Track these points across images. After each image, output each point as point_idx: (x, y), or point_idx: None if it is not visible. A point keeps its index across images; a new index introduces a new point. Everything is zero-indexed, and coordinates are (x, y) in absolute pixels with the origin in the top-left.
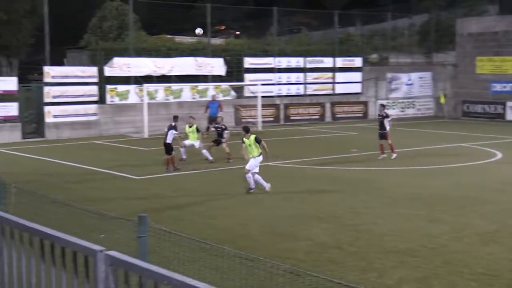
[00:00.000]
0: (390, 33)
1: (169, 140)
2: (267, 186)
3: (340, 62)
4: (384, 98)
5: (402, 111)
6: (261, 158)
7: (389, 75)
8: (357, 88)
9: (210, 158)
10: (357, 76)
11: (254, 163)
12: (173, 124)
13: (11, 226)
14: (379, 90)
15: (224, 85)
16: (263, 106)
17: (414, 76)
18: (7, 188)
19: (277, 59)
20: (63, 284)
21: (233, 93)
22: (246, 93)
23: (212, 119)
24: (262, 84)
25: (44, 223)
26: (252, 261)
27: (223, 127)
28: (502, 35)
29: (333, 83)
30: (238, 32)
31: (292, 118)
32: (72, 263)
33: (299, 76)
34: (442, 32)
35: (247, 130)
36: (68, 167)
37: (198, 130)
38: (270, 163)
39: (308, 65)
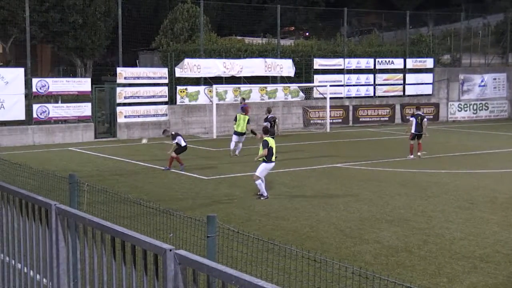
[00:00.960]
0: (463, 34)
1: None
2: (264, 193)
3: (411, 63)
4: (456, 99)
5: (474, 113)
6: (271, 165)
7: (461, 76)
8: (428, 89)
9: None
10: (428, 77)
11: (261, 168)
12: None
13: (85, 223)
14: (451, 91)
15: (293, 86)
16: (332, 107)
17: (488, 77)
18: (81, 186)
19: (347, 60)
20: (133, 282)
21: (302, 94)
22: (315, 94)
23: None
24: (331, 85)
25: (115, 221)
26: (319, 262)
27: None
28: None
29: (404, 84)
30: (307, 33)
31: (361, 119)
32: (142, 261)
33: (369, 77)
34: None
35: (265, 131)
36: (139, 167)
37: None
38: (338, 165)
39: (378, 66)
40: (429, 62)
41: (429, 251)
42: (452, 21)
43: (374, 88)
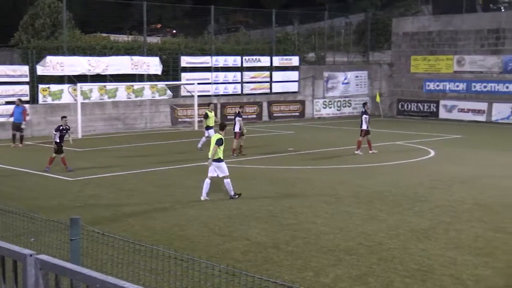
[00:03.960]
0: (327, 32)
1: (57, 139)
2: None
3: (277, 61)
4: (321, 97)
5: (338, 110)
6: (217, 163)
7: (326, 74)
8: (294, 87)
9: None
10: (294, 75)
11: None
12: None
13: None
14: (316, 89)
15: (160, 84)
16: (200, 105)
17: (351, 75)
18: None
19: (214, 58)
20: None
21: (169, 92)
22: (183, 92)
23: (16, 126)
24: (199, 83)
25: None
26: (187, 262)
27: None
28: (436, 34)
29: (271, 82)
30: (174, 31)
31: (229, 117)
32: (0, 268)
33: (236, 75)
34: (378, 31)
35: (222, 127)
36: None
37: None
38: (206, 163)
39: (246, 64)
40: (295, 60)
41: (296, 246)
42: (317, 20)
43: (242, 86)
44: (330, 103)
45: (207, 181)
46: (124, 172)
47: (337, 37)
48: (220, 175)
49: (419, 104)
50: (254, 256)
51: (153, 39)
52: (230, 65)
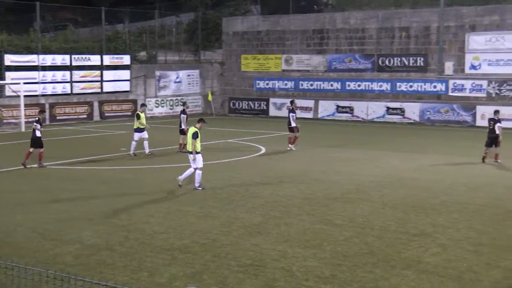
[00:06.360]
0: (158, 31)
1: (38, 134)
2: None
3: (108, 60)
4: (153, 96)
5: (171, 109)
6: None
7: (157, 73)
8: (126, 86)
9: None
10: (126, 74)
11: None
12: (37, 118)
13: None
14: (148, 88)
15: None
16: (27, 106)
17: (183, 73)
18: None
19: (41, 56)
20: None
21: None
22: (8, 92)
23: None
24: (25, 83)
25: None
26: (13, 269)
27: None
28: (264, 34)
29: (101, 81)
30: None
31: (58, 118)
32: None
33: (65, 74)
34: (209, 30)
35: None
36: None
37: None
38: (35, 165)
39: (75, 63)
40: (126, 59)
41: (130, 247)
42: (147, 19)
43: (71, 85)
44: (162, 102)
45: (190, 170)
46: None
47: (168, 36)
48: (193, 167)
49: (250, 102)
50: (87, 259)
51: None
52: (59, 64)
